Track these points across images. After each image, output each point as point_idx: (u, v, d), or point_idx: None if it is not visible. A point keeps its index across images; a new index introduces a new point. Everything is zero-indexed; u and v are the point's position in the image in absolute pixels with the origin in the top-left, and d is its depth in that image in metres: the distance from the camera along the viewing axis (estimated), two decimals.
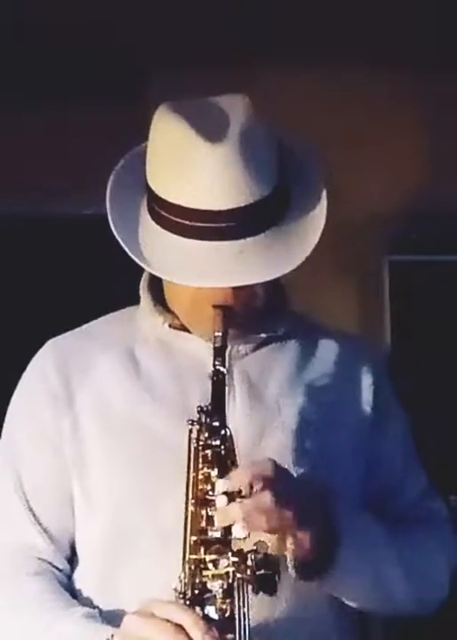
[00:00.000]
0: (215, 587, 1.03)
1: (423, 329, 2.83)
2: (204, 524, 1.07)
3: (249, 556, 1.03)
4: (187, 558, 1.06)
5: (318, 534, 1.12)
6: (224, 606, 1.02)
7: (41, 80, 2.68)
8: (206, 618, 1.02)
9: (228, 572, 1.03)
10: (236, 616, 1.02)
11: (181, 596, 1.04)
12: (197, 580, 1.04)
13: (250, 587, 1.03)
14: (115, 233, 1.22)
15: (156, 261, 1.20)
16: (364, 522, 1.24)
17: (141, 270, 1.29)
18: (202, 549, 1.05)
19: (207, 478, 1.10)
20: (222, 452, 1.11)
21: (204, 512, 1.07)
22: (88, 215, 2.61)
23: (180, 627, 1.00)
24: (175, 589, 1.04)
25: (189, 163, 1.16)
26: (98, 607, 1.22)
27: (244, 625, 1.02)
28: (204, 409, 1.16)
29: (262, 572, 1.03)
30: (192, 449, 1.15)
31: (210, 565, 1.04)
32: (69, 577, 1.28)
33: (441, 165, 2.82)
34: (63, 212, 2.79)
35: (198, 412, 1.17)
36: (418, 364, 2.75)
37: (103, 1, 2.45)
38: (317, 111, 2.79)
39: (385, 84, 2.83)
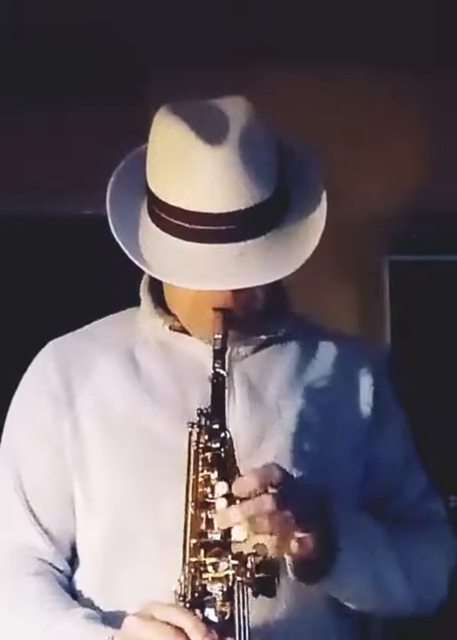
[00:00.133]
0: (215, 589, 1.03)
1: (423, 329, 2.84)
2: (203, 526, 1.07)
3: (249, 558, 1.03)
4: (187, 561, 1.06)
5: (319, 535, 1.12)
6: (224, 609, 1.02)
7: (41, 80, 2.68)
8: (206, 620, 1.02)
9: (227, 575, 1.03)
10: (236, 618, 1.03)
11: (181, 598, 1.04)
12: (197, 583, 1.04)
13: (249, 589, 1.03)
14: (115, 235, 1.22)
15: (156, 264, 1.20)
16: (363, 523, 1.24)
17: (141, 271, 1.29)
18: (202, 552, 1.05)
19: (207, 481, 1.10)
20: (222, 454, 1.11)
21: (203, 515, 1.07)
22: (88, 215, 2.61)
23: (180, 629, 1.01)
24: (175, 592, 1.05)
25: (189, 165, 1.16)
26: (98, 608, 1.22)
27: (244, 627, 1.02)
28: (204, 411, 1.16)
29: (262, 574, 1.03)
30: (192, 451, 1.15)
31: (210, 568, 1.04)
32: (70, 578, 1.28)
33: (441, 165, 2.82)
34: (63, 212, 2.79)
35: (198, 414, 1.17)
36: (418, 363, 2.75)
37: (103, 1, 2.45)
38: (317, 111, 2.79)
39: (385, 83, 2.83)
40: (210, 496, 1.08)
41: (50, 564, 1.27)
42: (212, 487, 1.08)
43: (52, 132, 2.77)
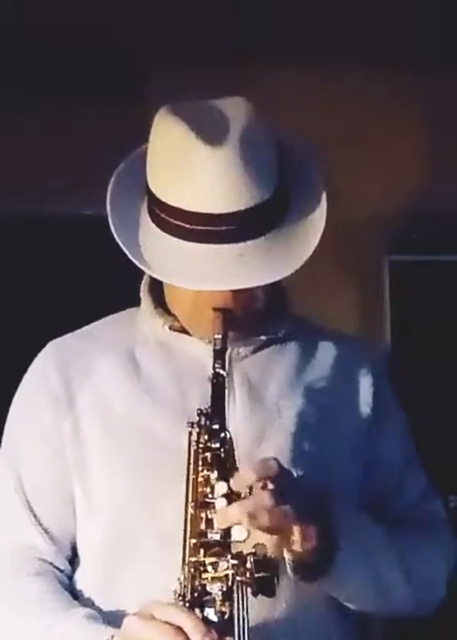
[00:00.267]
0: (215, 589, 1.03)
1: (423, 329, 2.84)
2: (203, 526, 1.07)
3: (248, 558, 1.04)
4: (186, 560, 1.06)
5: (319, 530, 1.13)
6: (223, 608, 1.03)
7: (41, 80, 2.68)
8: (206, 620, 1.02)
9: (227, 575, 1.03)
10: (236, 618, 1.03)
11: (181, 598, 1.04)
12: (197, 583, 1.04)
13: (249, 589, 1.04)
14: (115, 235, 1.22)
15: (157, 264, 1.20)
16: (363, 522, 1.24)
17: (141, 271, 1.29)
18: (201, 552, 1.05)
19: (207, 481, 1.10)
20: (222, 454, 1.11)
21: (203, 514, 1.07)
22: (88, 215, 2.62)
23: (179, 629, 1.01)
24: (175, 591, 1.05)
25: (190, 166, 1.17)
26: (99, 608, 1.22)
27: (244, 627, 1.03)
28: (204, 411, 1.16)
29: (261, 574, 1.03)
30: (192, 451, 1.15)
31: (209, 568, 1.04)
32: (70, 578, 1.28)
33: (441, 165, 2.82)
34: (63, 211, 2.79)
35: (198, 414, 1.17)
36: (418, 363, 2.75)
37: (103, 1, 2.45)
38: (317, 111, 2.79)
39: (385, 83, 2.83)
40: (210, 496, 1.08)
41: (50, 563, 1.27)
42: (212, 487, 1.08)
43: (52, 132, 2.77)
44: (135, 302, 1.37)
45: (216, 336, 1.20)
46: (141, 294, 1.35)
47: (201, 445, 1.14)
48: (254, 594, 1.04)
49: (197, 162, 1.16)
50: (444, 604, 1.34)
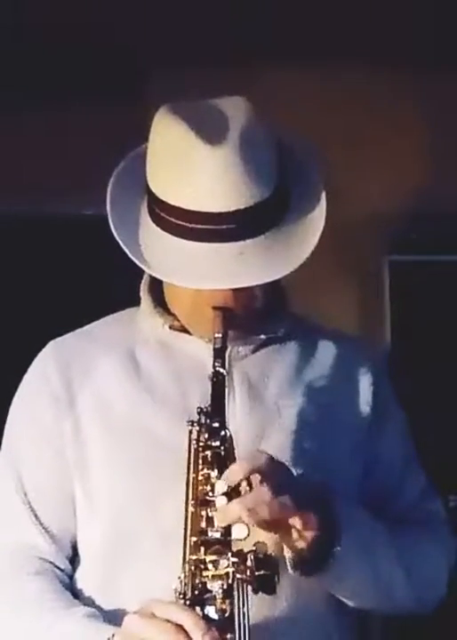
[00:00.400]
0: (215, 587, 1.03)
1: (423, 329, 2.84)
2: (204, 524, 1.07)
3: (248, 556, 1.04)
4: (187, 559, 1.06)
5: (320, 521, 1.13)
6: (224, 606, 1.02)
7: (41, 80, 2.68)
8: (206, 618, 1.02)
9: (227, 573, 1.03)
10: (236, 616, 1.03)
11: (181, 596, 1.04)
12: (197, 581, 1.04)
13: (249, 587, 1.04)
14: (115, 234, 1.22)
15: (157, 263, 1.20)
16: (363, 518, 1.24)
17: (141, 271, 1.29)
18: (202, 550, 1.05)
19: (207, 479, 1.10)
20: (222, 452, 1.11)
21: (204, 513, 1.08)
22: (88, 215, 2.61)
23: (180, 627, 1.01)
24: (175, 590, 1.05)
25: (189, 165, 1.17)
26: (99, 607, 1.22)
27: (244, 625, 1.03)
28: (204, 410, 1.16)
29: (262, 572, 1.03)
30: (192, 450, 1.15)
31: (210, 566, 1.04)
32: (71, 577, 1.28)
33: (441, 165, 2.82)
34: (63, 211, 2.79)
35: (198, 413, 1.17)
36: (418, 363, 2.75)
37: (103, 1, 2.45)
38: (317, 111, 2.79)
39: (385, 83, 2.83)
40: (210, 494, 1.08)
41: (51, 563, 1.27)
42: (212, 485, 1.08)
43: (52, 132, 2.77)
44: (135, 302, 1.37)
45: (216, 335, 1.21)
46: (141, 294, 1.35)
47: (201, 444, 1.14)
48: (255, 592, 1.04)
49: (197, 161, 1.16)
50: (445, 603, 1.34)
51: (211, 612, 1.03)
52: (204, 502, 1.08)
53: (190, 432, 1.17)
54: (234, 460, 1.13)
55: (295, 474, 1.19)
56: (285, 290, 1.36)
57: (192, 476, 1.12)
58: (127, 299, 1.39)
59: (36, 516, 1.27)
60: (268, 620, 1.17)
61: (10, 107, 2.66)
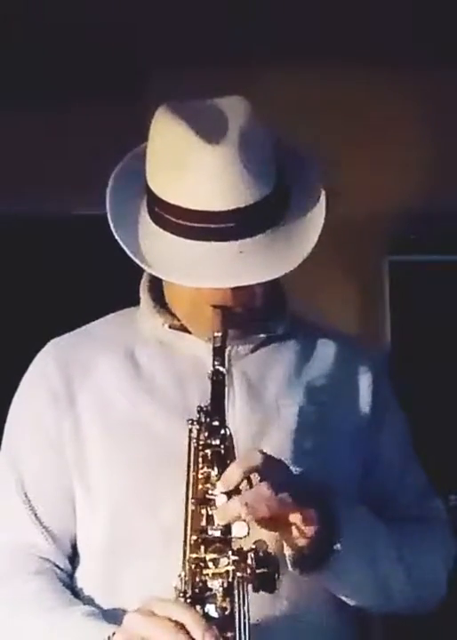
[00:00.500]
0: (215, 585, 1.03)
1: (423, 329, 2.84)
2: (204, 522, 1.07)
3: (249, 554, 1.04)
4: (187, 557, 1.06)
5: (320, 516, 1.12)
6: (224, 604, 1.02)
7: (41, 80, 2.68)
8: (207, 616, 1.02)
9: (228, 571, 1.03)
10: (236, 614, 1.02)
11: (182, 594, 1.04)
12: (198, 579, 1.04)
13: (250, 585, 1.04)
14: (115, 234, 1.22)
15: (156, 262, 1.20)
16: (363, 516, 1.24)
17: (141, 271, 1.29)
18: (202, 548, 1.05)
19: (207, 477, 1.10)
20: (222, 451, 1.11)
21: (204, 511, 1.08)
22: (88, 215, 2.61)
23: (180, 625, 1.00)
24: (175, 588, 1.05)
25: (189, 164, 1.17)
26: (99, 606, 1.22)
27: (244, 623, 1.02)
28: (204, 409, 1.17)
29: (262, 570, 1.03)
30: (192, 448, 1.15)
31: (210, 564, 1.04)
32: (71, 576, 1.28)
33: (441, 165, 2.82)
34: (63, 212, 2.79)
35: (198, 411, 1.17)
36: (418, 363, 2.75)
37: (103, 1, 2.45)
38: (317, 111, 2.79)
39: (385, 84, 2.83)
40: (210, 492, 1.08)
41: (51, 562, 1.27)
42: (213, 484, 1.08)
43: (52, 132, 2.77)
44: (135, 302, 1.37)
45: (216, 334, 1.21)
46: (141, 293, 1.35)
47: (201, 442, 1.14)
48: (255, 590, 1.04)
49: (197, 160, 1.16)
50: (445, 602, 1.34)
51: (211, 610, 1.03)
52: (204, 500, 1.08)
53: (190, 431, 1.17)
54: (234, 458, 1.13)
55: (295, 472, 1.19)
56: (285, 289, 1.36)
57: (192, 474, 1.12)
58: (127, 299, 1.39)
59: (35, 515, 1.27)
60: (268, 618, 1.17)
61: (10, 107, 2.66)
